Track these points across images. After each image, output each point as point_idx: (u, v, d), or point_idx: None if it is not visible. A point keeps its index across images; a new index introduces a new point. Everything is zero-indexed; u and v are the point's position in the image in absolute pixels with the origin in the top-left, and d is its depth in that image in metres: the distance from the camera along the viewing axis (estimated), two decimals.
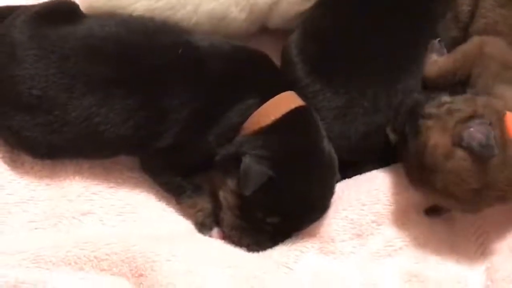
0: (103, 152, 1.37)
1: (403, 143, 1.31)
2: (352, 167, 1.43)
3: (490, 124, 1.21)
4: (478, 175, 1.22)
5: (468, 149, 1.20)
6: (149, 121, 1.32)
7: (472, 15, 1.48)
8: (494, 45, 1.38)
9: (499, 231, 1.35)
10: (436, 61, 1.42)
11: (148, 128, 1.32)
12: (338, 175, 1.37)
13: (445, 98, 1.30)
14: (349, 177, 1.42)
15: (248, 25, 1.50)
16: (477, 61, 1.36)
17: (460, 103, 1.27)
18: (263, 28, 1.56)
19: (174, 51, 1.33)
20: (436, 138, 1.24)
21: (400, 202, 1.36)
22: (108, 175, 1.40)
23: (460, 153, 1.22)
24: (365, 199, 1.37)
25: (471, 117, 1.23)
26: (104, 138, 1.31)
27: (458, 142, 1.22)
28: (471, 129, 1.21)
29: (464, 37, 1.47)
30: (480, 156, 1.20)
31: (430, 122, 1.26)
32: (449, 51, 1.46)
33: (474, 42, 1.40)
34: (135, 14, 1.43)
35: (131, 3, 1.42)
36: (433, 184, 1.24)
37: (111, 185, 1.39)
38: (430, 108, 1.28)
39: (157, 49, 1.34)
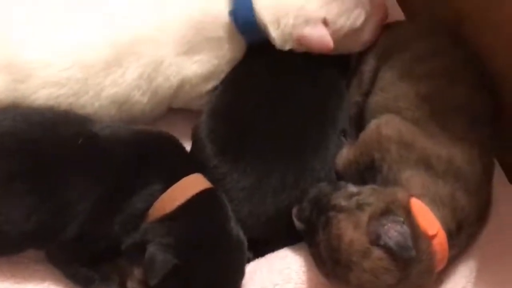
0: (8, 250, 1.33)
1: (310, 232, 1.28)
2: (264, 245, 1.41)
3: (404, 222, 1.20)
4: (393, 273, 1.20)
5: (385, 248, 1.19)
6: (52, 215, 1.28)
7: (373, 81, 1.48)
8: (391, 126, 1.34)
9: None
10: (341, 153, 1.41)
11: (51, 222, 1.28)
12: (249, 255, 1.36)
13: (351, 188, 1.29)
14: (262, 255, 1.41)
15: (152, 107, 1.50)
16: (376, 145, 1.33)
17: (368, 196, 1.25)
18: (171, 108, 1.56)
19: (73, 142, 1.31)
20: (351, 235, 1.21)
21: (311, 280, 1.35)
22: (14, 270, 1.35)
23: (377, 252, 1.20)
24: (277, 278, 1.36)
25: (383, 213, 1.22)
26: (7, 237, 1.28)
27: (374, 241, 1.20)
28: (386, 227, 1.19)
29: (364, 102, 1.47)
30: (398, 256, 1.19)
31: (341, 216, 1.23)
32: (354, 117, 1.48)
33: (371, 127, 1.37)
34: (38, 102, 1.40)
35: (34, 92, 1.40)
36: (347, 279, 1.22)
37: (18, 280, 1.35)
38: (338, 199, 1.26)
39: (56, 141, 1.32)
